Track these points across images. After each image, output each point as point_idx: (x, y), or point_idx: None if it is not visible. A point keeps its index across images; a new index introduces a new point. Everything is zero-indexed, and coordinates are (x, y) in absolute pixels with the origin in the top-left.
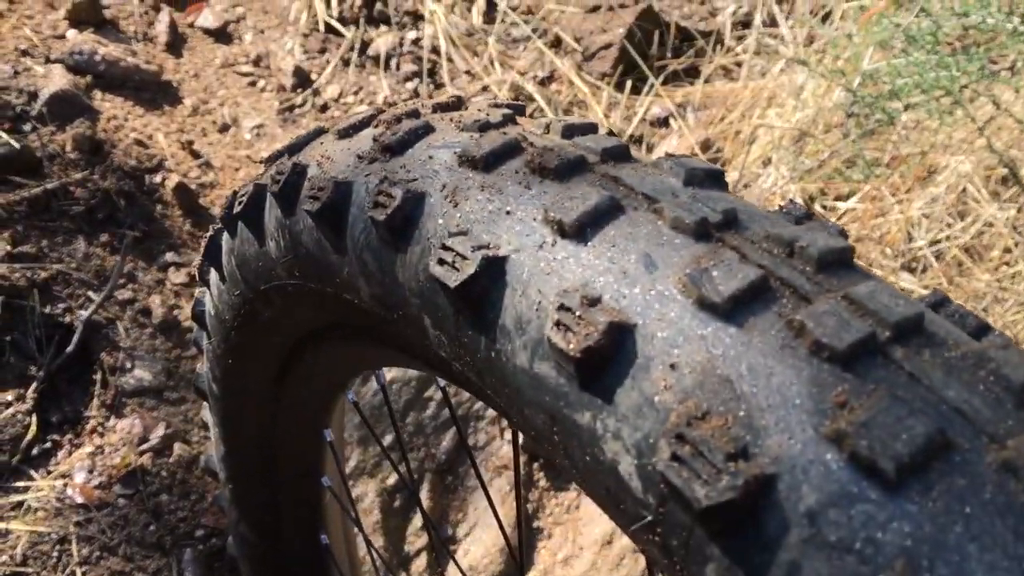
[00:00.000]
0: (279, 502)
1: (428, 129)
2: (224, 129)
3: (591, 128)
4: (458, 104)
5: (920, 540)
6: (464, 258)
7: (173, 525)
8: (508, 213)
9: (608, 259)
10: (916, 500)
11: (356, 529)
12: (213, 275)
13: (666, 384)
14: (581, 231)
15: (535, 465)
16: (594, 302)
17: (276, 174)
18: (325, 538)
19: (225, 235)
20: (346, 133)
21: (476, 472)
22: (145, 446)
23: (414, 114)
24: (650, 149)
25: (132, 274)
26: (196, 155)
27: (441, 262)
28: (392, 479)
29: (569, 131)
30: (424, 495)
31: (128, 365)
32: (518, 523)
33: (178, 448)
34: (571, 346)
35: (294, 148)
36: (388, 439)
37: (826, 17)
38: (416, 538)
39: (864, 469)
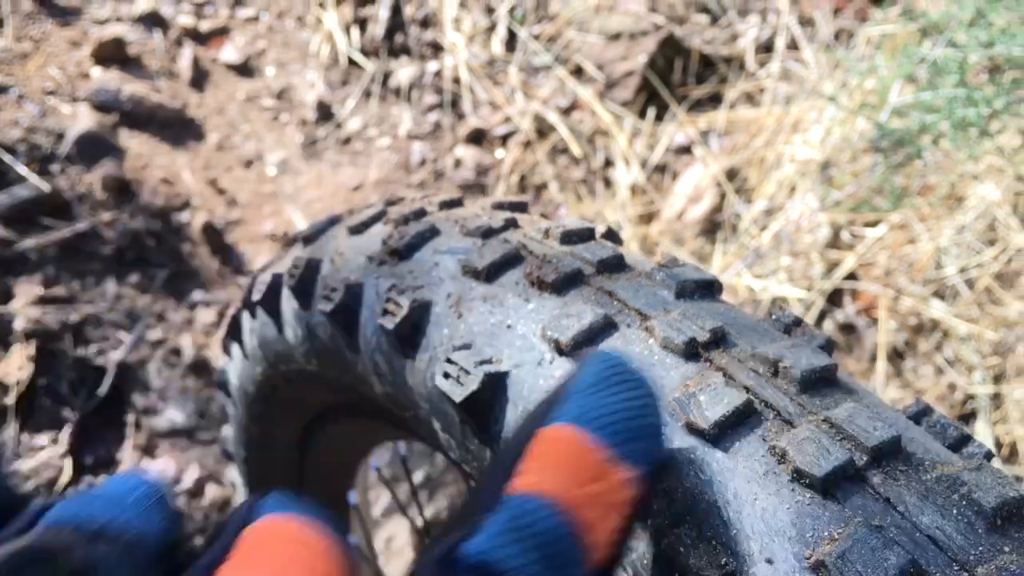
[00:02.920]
0: None
1: (434, 232)
2: (248, 165)
3: (588, 233)
4: (461, 202)
5: None
6: (468, 373)
7: None
8: (509, 327)
9: None
10: None
11: None
12: (236, 350)
13: (656, 508)
14: (577, 349)
15: None
16: None
17: (292, 268)
18: None
19: (246, 314)
20: (357, 229)
21: None
22: (178, 488)
23: (420, 213)
24: (674, 177)
25: (162, 314)
26: (221, 192)
27: (447, 375)
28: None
29: (567, 238)
30: None
31: (160, 406)
32: None
33: (211, 490)
34: None
35: (309, 238)
36: (418, 477)
37: (849, 40)
38: None
39: None
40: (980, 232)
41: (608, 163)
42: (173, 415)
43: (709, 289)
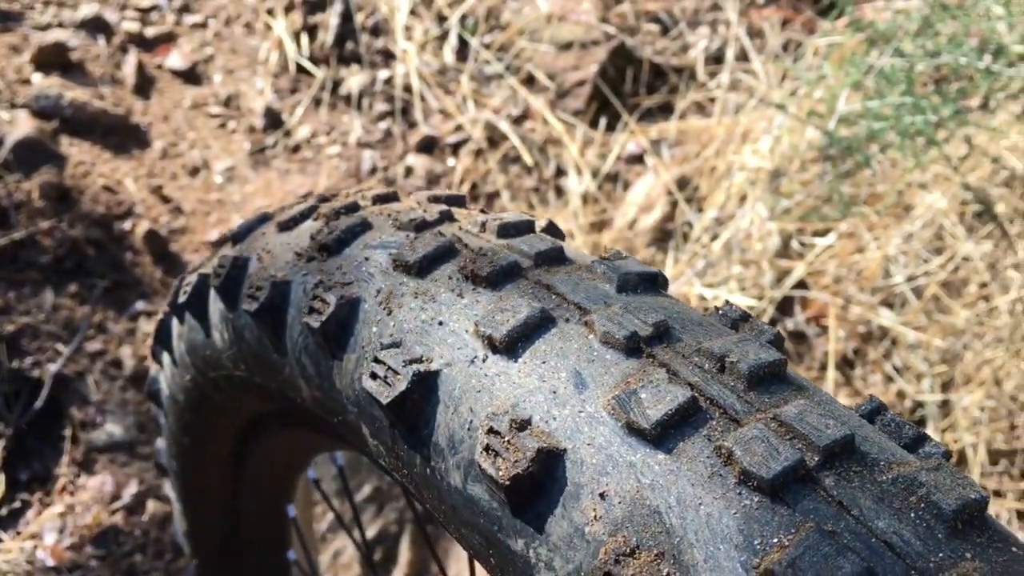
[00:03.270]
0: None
1: (365, 226)
2: (194, 172)
3: (527, 226)
4: (396, 196)
5: None
6: (396, 373)
7: None
8: (441, 324)
9: (538, 377)
10: None
11: None
12: (166, 358)
13: (596, 515)
14: (512, 346)
15: None
16: (523, 425)
17: (218, 267)
18: None
19: (174, 319)
20: (286, 226)
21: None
22: (117, 504)
23: (352, 208)
24: (626, 186)
25: (102, 325)
26: (166, 200)
27: (374, 376)
28: (371, 532)
29: (505, 230)
30: (404, 545)
31: (99, 420)
32: None
33: (151, 505)
34: (500, 473)
35: (238, 236)
36: (367, 490)
37: (798, 51)
38: None
39: None
40: (927, 241)
41: (560, 172)
42: (112, 429)
43: (653, 283)
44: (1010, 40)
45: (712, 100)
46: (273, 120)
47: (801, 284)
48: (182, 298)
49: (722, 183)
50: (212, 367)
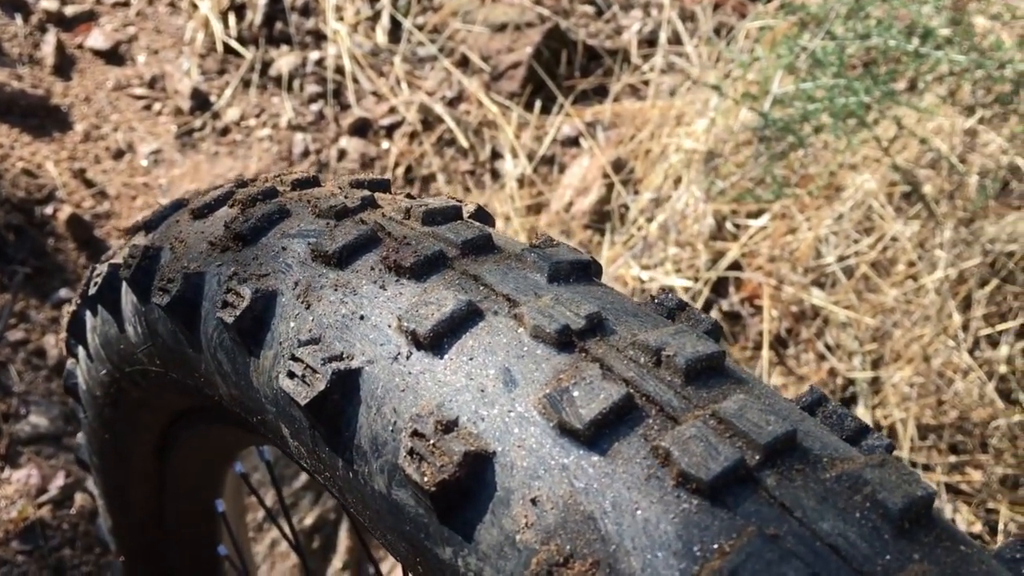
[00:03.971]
0: (174, 574)
1: (283, 214)
2: (119, 155)
3: (454, 212)
4: (318, 181)
5: None
6: (315, 372)
7: None
8: (362, 318)
9: (465, 375)
10: None
11: None
12: (81, 351)
13: (527, 521)
14: (437, 342)
15: None
16: (449, 427)
17: (129, 257)
18: None
19: (88, 312)
20: (201, 213)
21: (366, 550)
22: (44, 497)
23: (270, 194)
24: (562, 169)
25: (23, 313)
26: (89, 184)
27: (291, 375)
28: (308, 520)
29: (430, 217)
30: (343, 533)
31: (22, 411)
32: None
33: (80, 499)
34: (426, 479)
35: (151, 224)
36: (304, 477)
37: (729, 35)
38: None
39: None
40: (857, 222)
41: (495, 155)
42: (37, 420)
43: (585, 271)
44: (937, 24)
45: (646, 83)
46: (200, 102)
47: (735, 265)
48: (93, 290)
49: (657, 165)
50: (127, 362)
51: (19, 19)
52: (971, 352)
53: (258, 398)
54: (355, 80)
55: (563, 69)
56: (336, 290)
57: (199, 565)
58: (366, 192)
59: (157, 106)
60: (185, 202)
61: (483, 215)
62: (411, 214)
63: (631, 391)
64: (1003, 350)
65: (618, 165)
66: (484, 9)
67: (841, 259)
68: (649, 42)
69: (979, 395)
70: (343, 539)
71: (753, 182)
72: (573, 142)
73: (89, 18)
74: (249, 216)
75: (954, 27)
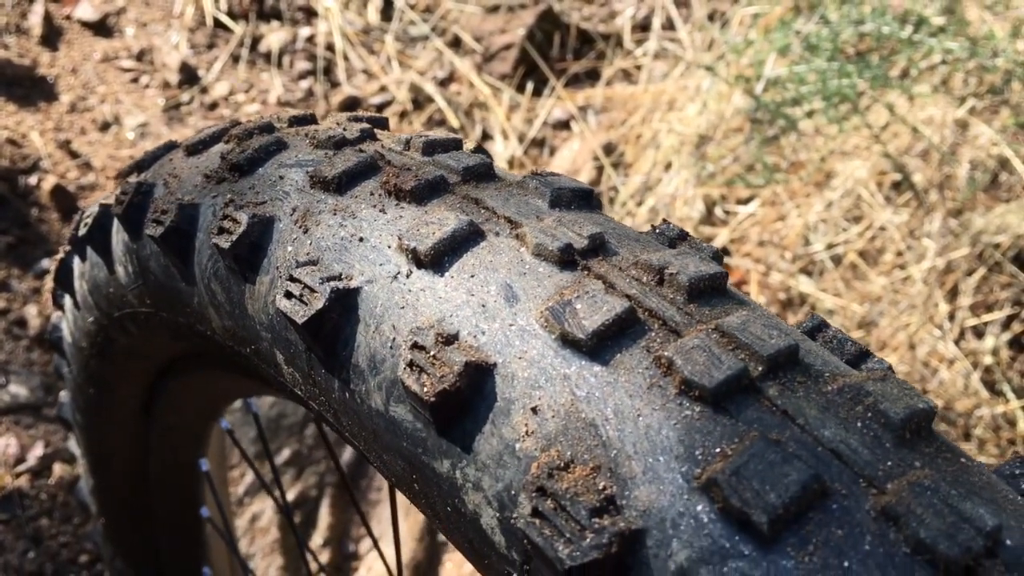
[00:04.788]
0: (156, 536)
1: (280, 146)
2: (105, 128)
3: (454, 144)
4: (315, 119)
5: None
6: (312, 291)
7: (55, 551)
8: (361, 240)
9: (467, 291)
10: (792, 555)
11: (239, 561)
12: (67, 301)
13: (528, 430)
14: (438, 260)
15: None
16: (450, 340)
17: (121, 194)
18: (208, 571)
19: (76, 258)
20: (195, 149)
21: (359, 512)
22: (22, 467)
23: (267, 128)
24: (552, 152)
25: (5, 282)
26: (75, 155)
27: (289, 295)
28: (291, 495)
29: (430, 148)
30: (324, 510)
31: (2, 380)
32: (396, 555)
33: (58, 468)
34: (426, 389)
35: (143, 164)
36: (287, 453)
37: (723, 20)
38: (317, 554)
39: (737, 522)
40: (846, 209)
41: (486, 136)
42: (17, 390)
43: (587, 200)
44: (931, 12)
45: (638, 67)
46: (189, 76)
47: (724, 251)
48: (83, 231)
49: (648, 150)
50: (116, 306)
51: None
52: (957, 342)
53: (252, 326)
54: (346, 58)
55: (555, 52)
56: (335, 214)
57: (181, 527)
58: (365, 125)
59: (145, 79)
60: (178, 144)
61: (483, 151)
62: (411, 145)
63: (634, 305)
64: (988, 341)
65: (609, 149)
66: None
67: (830, 247)
68: (642, 27)
69: (964, 385)
70: (324, 515)
71: (743, 167)
72: (564, 125)
73: None
74: (246, 148)
75: (948, 16)
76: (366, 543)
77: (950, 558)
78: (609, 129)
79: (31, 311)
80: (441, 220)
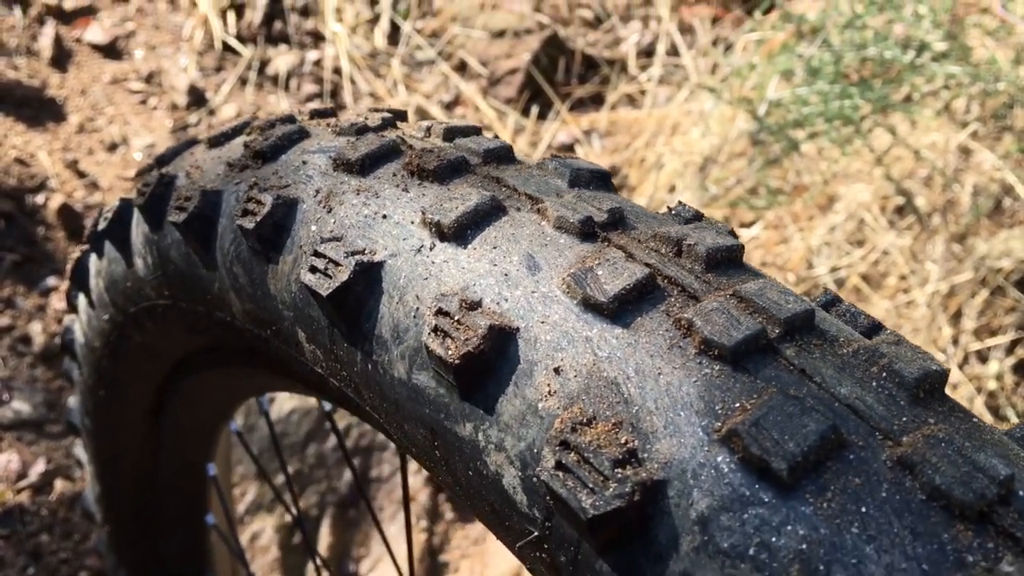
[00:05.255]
0: (161, 544)
1: (303, 134)
2: (113, 148)
3: (474, 131)
4: (335, 112)
5: (816, 543)
6: (337, 264)
7: (54, 568)
8: (385, 217)
9: (489, 261)
10: (811, 501)
11: (244, 569)
12: (81, 300)
13: (550, 390)
14: (461, 233)
15: (440, 497)
16: (474, 306)
17: (143, 186)
18: None
19: (92, 256)
20: (217, 142)
21: (370, 511)
22: (23, 483)
23: (289, 119)
24: None
25: (11, 300)
26: (82, 175)
27: (313, 269)
28: (287, 516)
29: (451, 134)
30: (325, 529)
31: (5, 396)
32: (408, 555)
33: (59, 485)
34: (450, 352)
35: (164, 159)
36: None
37: (727, 48)
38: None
39: (756, 471)
40: (849, 233)
41: None
42: (20, 406)
43: (604, 181)
44: (933, 38)
45: (643, 93)
46: (197, 98)
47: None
48: (102, 225)
49: (652, 172)
50: (133, 301)
51: (18, 11)
52: (960, 366)
53: (274, 307)
54: (352, 81)
55: (560, 77)
56: (358, 194)
57: (186, 533)
58: (386, 115)
59: (153, 101)
60: (198, 139)
61: (499, 139)
62: (431, 132)
63: (653, 272)
64: (992, 366)
65: (612, 172)
66: (484, 15)
67: (833, 270)
68: (647, 53)
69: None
70: (325, 534)
71: (747, 190)
72: (569, 149)
73: (88, 12)
74: (269, 136)
75: (950, 41)
76: (367, 563)
77: (965, 503)
78: (613, 152)
79: (36, 328)
80: (464, 196)
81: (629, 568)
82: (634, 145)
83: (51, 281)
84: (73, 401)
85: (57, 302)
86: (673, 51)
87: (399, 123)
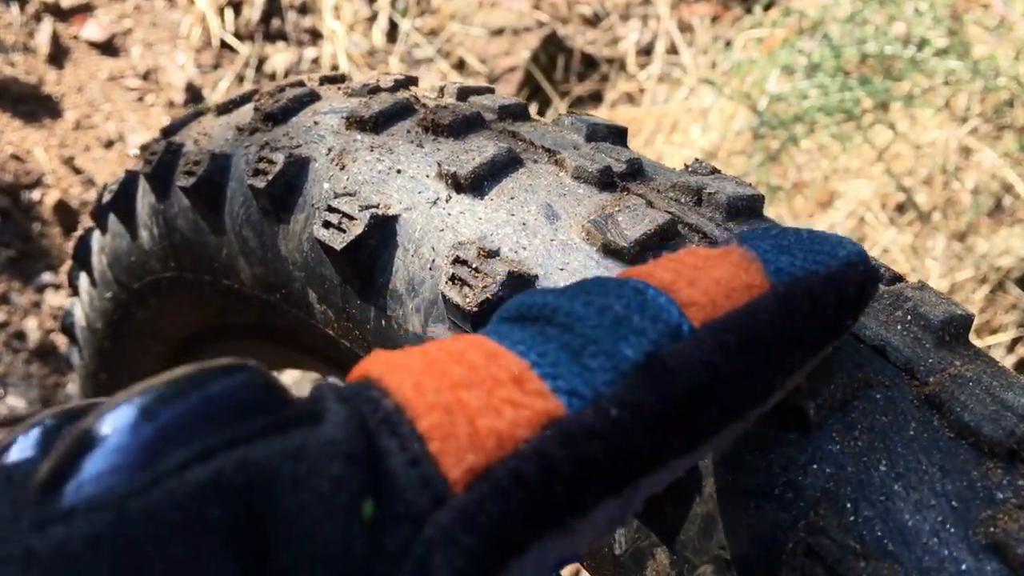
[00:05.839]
0: None
1: (314, 97)
2: (109, 145)
3: (487, 90)
4: (344, 78)
5: (843, 481)
6: (351, 218)
7: None
8: (399, 172)
9: (507, 211)
10: (837, 440)
11: None
12: (83, 280)
13: None
14: (477, 184)
15: None
16: (492, 254)
17: (150, 154)
18: None
19: (96, 233)
20: (226, 109)
21: None
22: None
23: (298, 84)
24: None
25: (6, 296)
26: (78, 171)
27: (327, 224)
28: None
29: (464, 92)
30: None
31: (0, 392)
32: None
33: None
34: (467, 300)
35: (170, 129)
36: None
37: (727, 45)
38: None
39: (784, 410)
40: (850, 230)
41: None
42: (15, 402)
43: (621, 137)
44: (933, 34)
45: (642, 91)
46: (194, 95)
47: None
48: (107, 198)
49: None
50: (137, 275)
51: (15, 8)
52: None
53: (285, 268)
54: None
55: (559, 75)
56: (372, 151)
57: None
58: (398, 77)
59: (150, 98)
60: (206, 109)
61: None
62: (444, 91)
63: (675, 219)
64: None
65: None
66: (482, 13)
67: None
68: (646, 51)
69: None
70: None
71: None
72: None
73: (85, 10)
74: (279, 99)
75: (951, 37)
76: None
77: (994, 440)
78: None
79: (31, 324)
80: (480, 148)
81: None
82: (634, 143)
83: (46, 277)
84: (72, 387)
85: (52, 298)
86: (672, 49)
87: (411, 86)
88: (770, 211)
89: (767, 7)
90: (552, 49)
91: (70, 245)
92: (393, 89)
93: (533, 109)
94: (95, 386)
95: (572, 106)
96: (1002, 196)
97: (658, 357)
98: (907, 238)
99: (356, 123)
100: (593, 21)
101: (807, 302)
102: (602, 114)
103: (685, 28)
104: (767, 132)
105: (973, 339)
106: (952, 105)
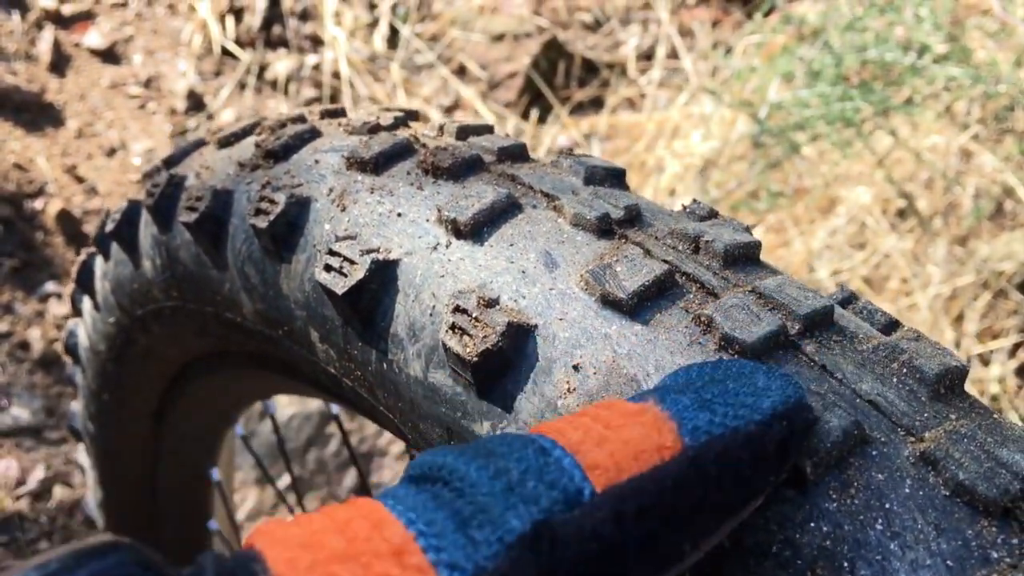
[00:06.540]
0: (163, 550)
1: (314, 134)
2: (111, 153)
3: (487, 129)
4: (345, 112)
5: (840, 539)
6: (352, 263)
7: None
8: (400, 215)
9: (506, 259)
10: (834, 497)
11: None
12: (86, 303)
13: (569, 387)
14: (477, 230)
15: None
16: (492, 303)
17: (151, 187)
18: None
19: (98, 259)
20: (227, 142)
21: None
22: (22, 489)
23: (299, 119)
24: None
25: (9, 305)
26: (80, 180)
27: (328, 268)
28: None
29: (464, 132)
30: None
31: (4, 403)
32: None
33: (59, 491)
34: (468, 350)
35: (172, 160)
36: (288, 478)
37: (727, 51)
38: None
39: None
40: (851, 236)
41: None
42: (18, 412)
43: (619, 179)
44: (933, 40)
45: (643, 96)
46: (196, 103)
47: None
48: (109, 227)
49: (652, 176)
50: (140, 303)
51: (16, 16)
52: None
53: (286, 306)
54: (352, 85)
55: (560, 80)
56: (372, 192)
57: (189, 539)
58: (398, 113)
59: (152, 106)
60: (207, 140)
61: (512, 138)
62: (444, 130)
63: (672, 268)
64: (995, 369)
65: None
66: (483, 19)
67: (834, 273)
68: (647, 56)
69: None
70: None
71: (747, 194)
72: (568, 152)
73: (87, 17)
74: (280, 136)
75: (951, 43)
76: None
77: (989, 499)
78: (613, 156)
79: (34, 334)
80: (479, 193)
81: None
82: (634, 149)
83: (50, 286)
84: (76, 406)
85: (56, 308)
86: (673, 54)
87: (411, 122)
88: (771, 218)
89: (767, 13)
90: (553, 54)
91: (73, 254)
92: (393, 127)
93: (534, 115)
94: (98, 406)
95: (573, 112)
96: (1003, 201)
97: (547, 526)
98: (908, 243)
99: (357, 163)
100: (593, 26)
101: (721, 464)
102: (603, 120)
103: (685, 33)
104: (768, 140)
105: (975, 345)
106: (953, 110)
